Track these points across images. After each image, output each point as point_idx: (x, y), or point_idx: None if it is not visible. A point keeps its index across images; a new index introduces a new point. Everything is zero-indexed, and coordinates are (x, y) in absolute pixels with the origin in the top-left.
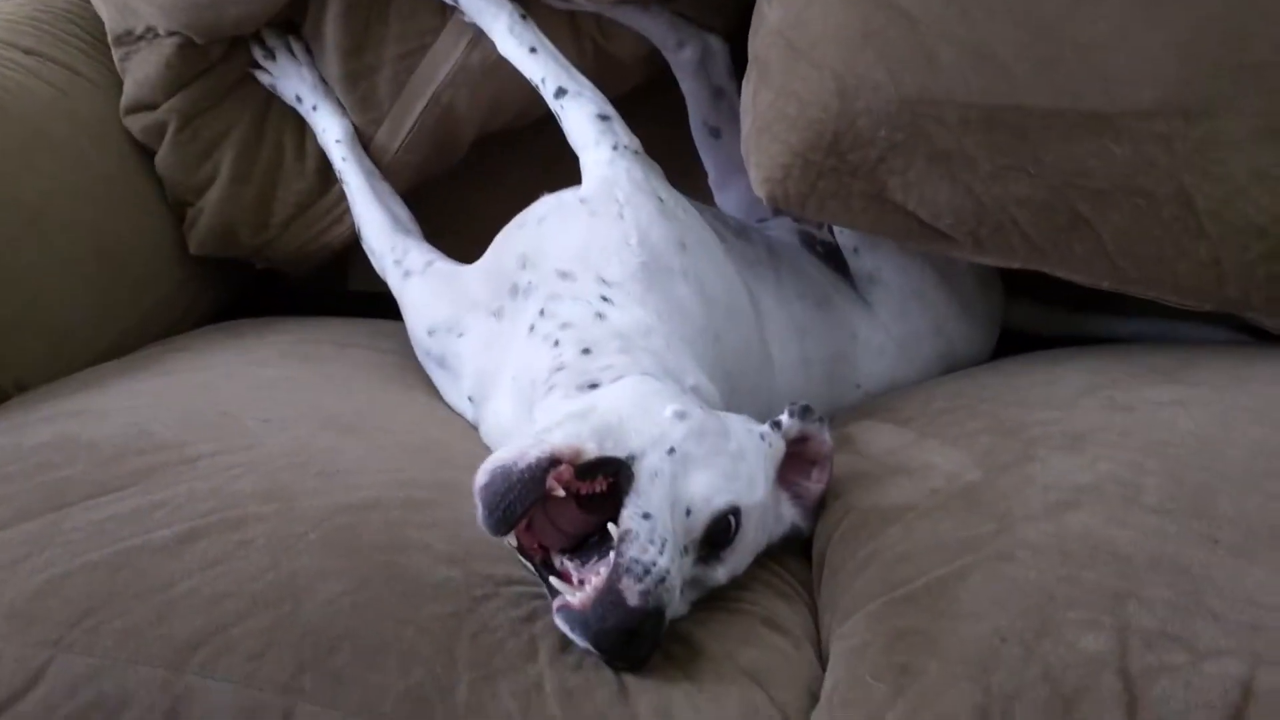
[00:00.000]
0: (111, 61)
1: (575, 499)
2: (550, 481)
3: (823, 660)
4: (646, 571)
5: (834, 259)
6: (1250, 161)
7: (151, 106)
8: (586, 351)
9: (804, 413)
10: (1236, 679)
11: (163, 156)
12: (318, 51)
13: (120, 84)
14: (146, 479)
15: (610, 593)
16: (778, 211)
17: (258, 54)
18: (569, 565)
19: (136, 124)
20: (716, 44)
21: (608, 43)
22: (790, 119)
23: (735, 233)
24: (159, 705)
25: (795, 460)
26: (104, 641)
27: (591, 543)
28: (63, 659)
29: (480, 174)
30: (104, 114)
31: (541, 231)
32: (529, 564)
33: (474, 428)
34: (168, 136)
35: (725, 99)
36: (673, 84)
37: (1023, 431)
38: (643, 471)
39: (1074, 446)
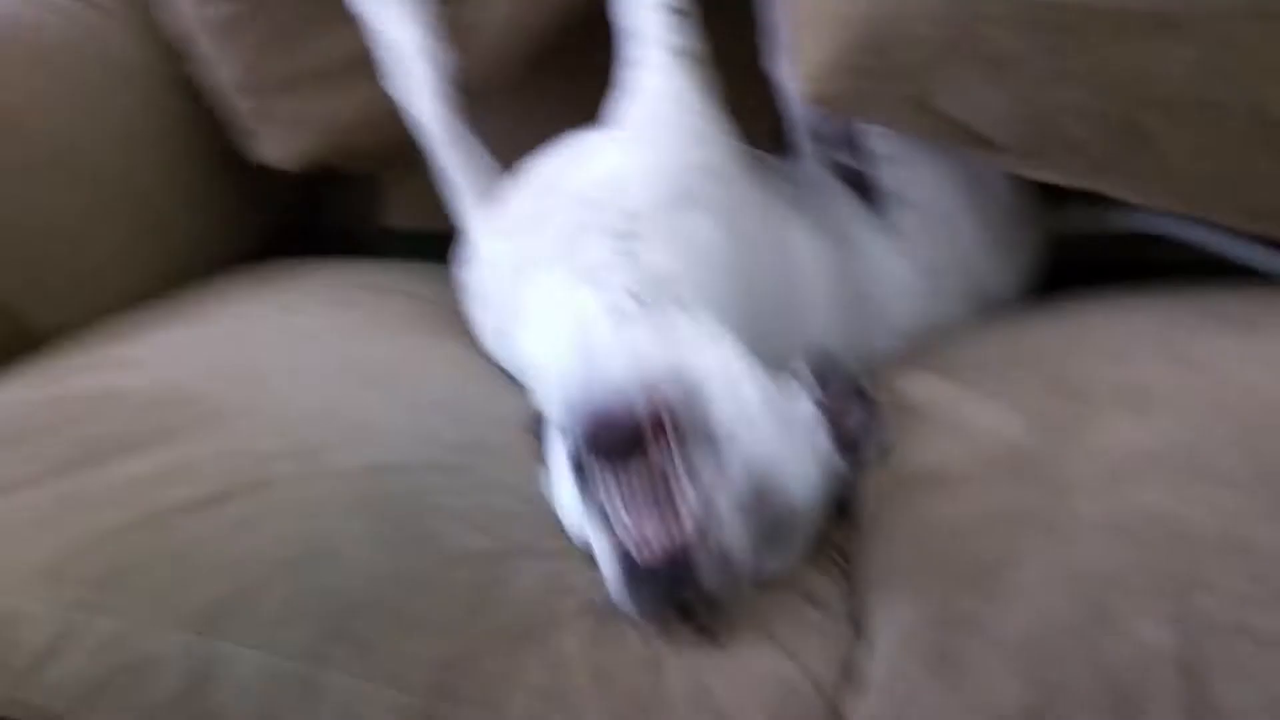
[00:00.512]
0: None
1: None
2: (653, 432)
3: (858, 632)
4: (726, 558)
5: (863, 193)
6: None
7: None
8: (635, 293)
9: (827, 365)
10: None
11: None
12: None
13: (150, 24)
14: (176, 435)
15: (683, 560)
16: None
17: None
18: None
19: (208, 15)
20: None
21: None
22: (834, 15)
23: (768, 166)
24: (186, 669)
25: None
26: (132, 604)
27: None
28: (92, 620)
29: (539, 106)
30: (134, 55)
31: (572, 156)
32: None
33: (502, 370)
34: (257, 20)
35: None
36: None
37: (1079, 387)
38: (723, 442)
39: (1136, 407)
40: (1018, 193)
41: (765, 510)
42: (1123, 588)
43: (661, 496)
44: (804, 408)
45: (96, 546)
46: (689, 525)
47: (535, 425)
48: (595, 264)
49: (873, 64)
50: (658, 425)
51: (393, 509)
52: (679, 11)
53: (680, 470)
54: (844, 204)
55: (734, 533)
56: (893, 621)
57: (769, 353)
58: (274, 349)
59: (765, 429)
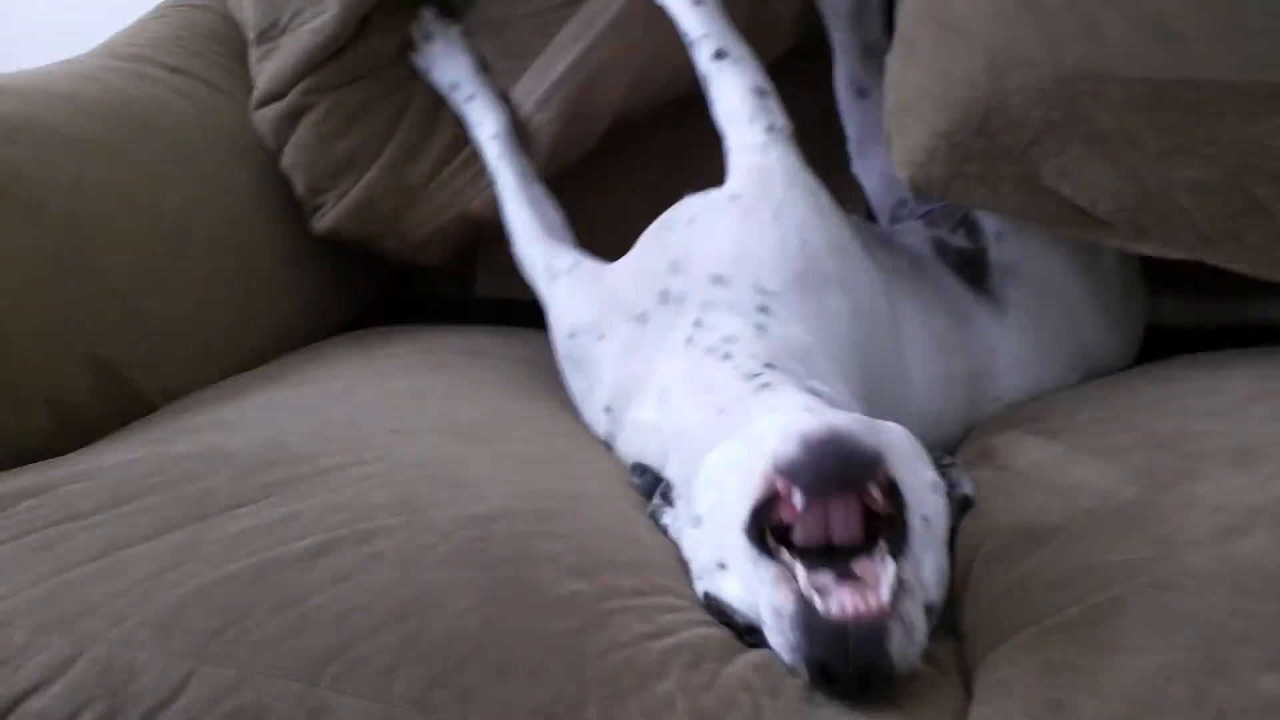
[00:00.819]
0: (248, 77)
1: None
2: (875, 489)
3: (969, 689)
4: (911, 633)
5: (968, 269)
6: None
7: (284, 94)
8: (770, 365)
9: (950, 467)
10: None
11: (295, 143)
12: (466, 4)
13: None
14: (282, 490)
15: (877, 624)
16: (917, 197)
17: (416, 35)
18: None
19: (268, 115)
20: None
21: None
22: (937, 98)
23: (875, 238)
24: (294, 718)
25: None
26: (242, 654)
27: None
28: (205, 670)
29: (619, 173)
30: (241, 128)
31: (691, 233)
32: (759, 532)
33: (604, 443)
34: (302, 120)
35: (876, 57)
36: (816, 53)
37: (1183, 445)
38: (913, 526)
39: (1242, 462)
40: (1126, 264)
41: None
42: (1236, 637)
43: (863, 560)
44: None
45: (208, 597)
46: (885, 594)
47: (639, 475)
48: (727, 336)
49: (978, 145)
50: (885, 490)
51: (494, 557)
52: (763, 92)
53: (884, 543)
54: (952, 281)
55: (918, 616)
56: (998, 674)
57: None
58: (373, 409)
59: (936, 516)
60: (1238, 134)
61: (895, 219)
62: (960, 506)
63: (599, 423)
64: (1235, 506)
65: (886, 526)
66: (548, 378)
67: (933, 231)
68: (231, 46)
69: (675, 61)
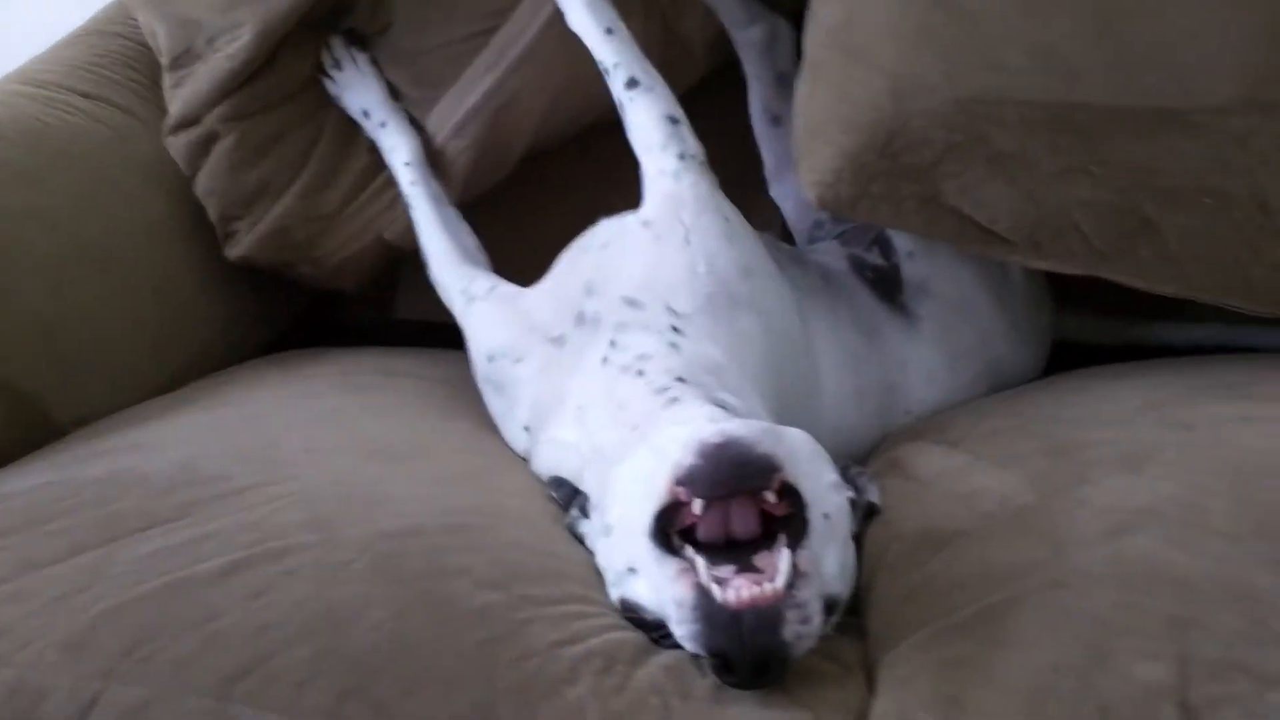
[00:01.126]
0: (164, 103)
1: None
2: (771, 492)
3: (872, 687)
4: (807, 620)
5: (881, 285)
6: None
7: (197, 121)
8: (681, 380)
9: (858, 476)
10: None
11: (208, 170)
12: (378, 33)
13: None
14: (195, 512)
15: (772, 610)
16: (833, 218)
17: (326, 62)
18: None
19: (181, 141)
20: (784, 28)
21: (678, 21)
22: (842, 121)
23: (789, 258)
24: None
25: None
26: (154, 672)
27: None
28: (114, 689)
29: (534, 199)
30: (158, 155)
31: (605, 258)
32: (663, 536)
33: (524, 459)
34: (215, 148)
35: (788, 85)
36: (731, 78)
37: (1078, 452)
38: (813, 522)
39: (1132, 467)
40: (1033, 281)
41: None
42: (1121, 630)
43: (763, 554)
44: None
45: (118, 618)
46: (780, 581)
47: (557, 488)
48: (641, 354)
49: (882, 166)
50: (780, 492)
51: (408, 572)
52: (675, 120)
53: (783, 536)
54: (865, 297)
55: (815, 604)
56: (898, 671)
57: None
58: (290, 430)
59: (837, 513)
60: (1126, 155)
61: (813, 239)
62: (865, 514)
63: (518, 441)
64: (1123, 508)
65: (786, 522)
66: (467, 397)
67: (848, 250)
68: (147, 72)
69: (589, 89)
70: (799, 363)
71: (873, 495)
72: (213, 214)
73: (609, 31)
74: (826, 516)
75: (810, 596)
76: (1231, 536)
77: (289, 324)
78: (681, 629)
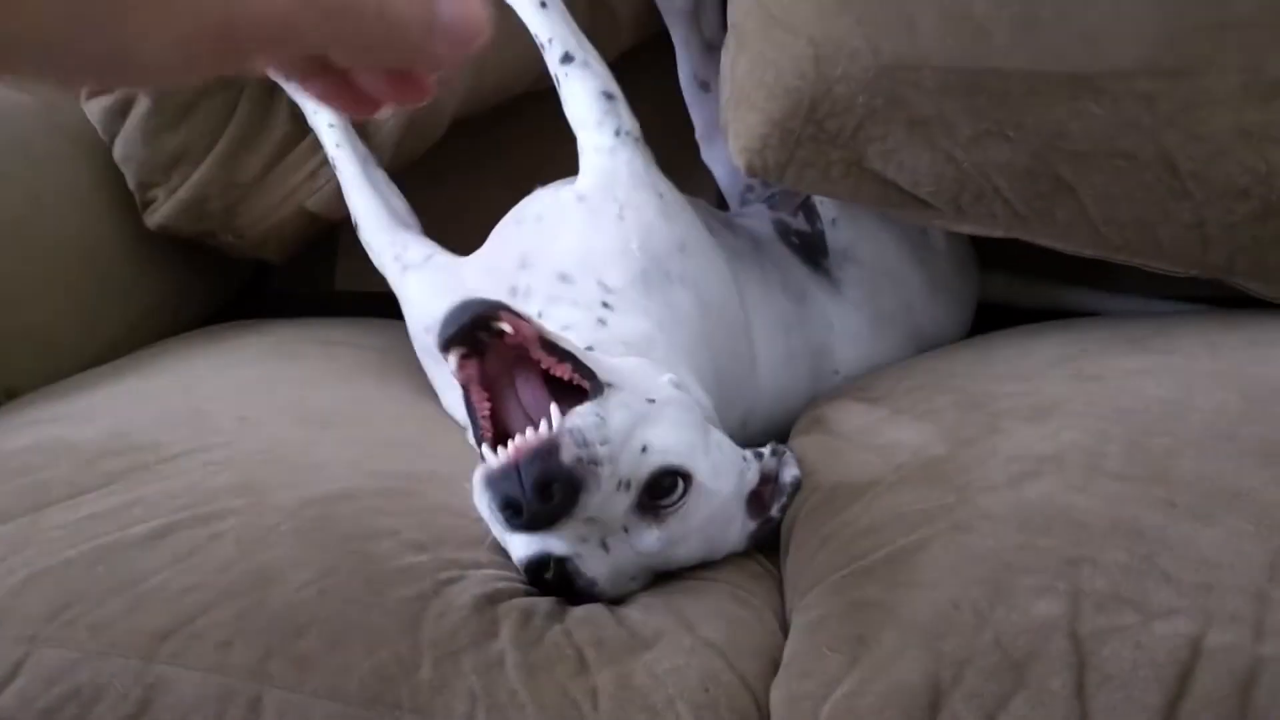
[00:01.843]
0: None
1: (544, 379)
2: (506, 320)
3: (786, 634)
4: (585, 444)
5: (807, 250)
6: (1234, 121)
7: None
8: (590, 349)
9: (781, 454)
10: (1186, 638)
11: (124, 135)
12: None
13: None
14: (124, 479)
15: (546, 444)
16: (762, 183)
17: None
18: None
19: (97, 106)
20: None
21: None
22: (767, 87)
23: (722, 224)
24: (132, 694)
25: (757, 498)
26: (79, 635)
27: None
28: (39, 653)
29: (472, 164)
30: (85, 124)
31: (539, 231)
32: (473, 424)
33: (463, 428)
34: (131, 112)
35: (716, 52)
36: (664, 44)
37: (990, 404)
38: (613, 395)
39: (1039, 417)
40: (956, 245)
41: (641, 474)
42: (1019, 569)
43: (542, 399)
44: (738, 459)
45: (44, 582)
46: (545, 427)
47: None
48: (564, 326)
49: (808, 132)
50: (520, 332)
51: (336, 535)
52: (610, 96)
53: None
54: (793, 261)
55: (595, 434)
56: (809, 615)
57: (727, 406)
58: (221, 397)
59: (674, 423)
60: (1040, 119)
61: (744, 203)
62: (792, 490)
63: (457, 410)
64: (1027, 456)
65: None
66: (404, 364)
67: (776, 215)
68: None
69: (520, 58)
70: (734, 333)
71: (794, 470)
72: (130, 181)
73: (543, 5)
74: (651, 401)
75: (589, 426)
76: (1125, 479)
77: (228, 297)
78: (487, 513)
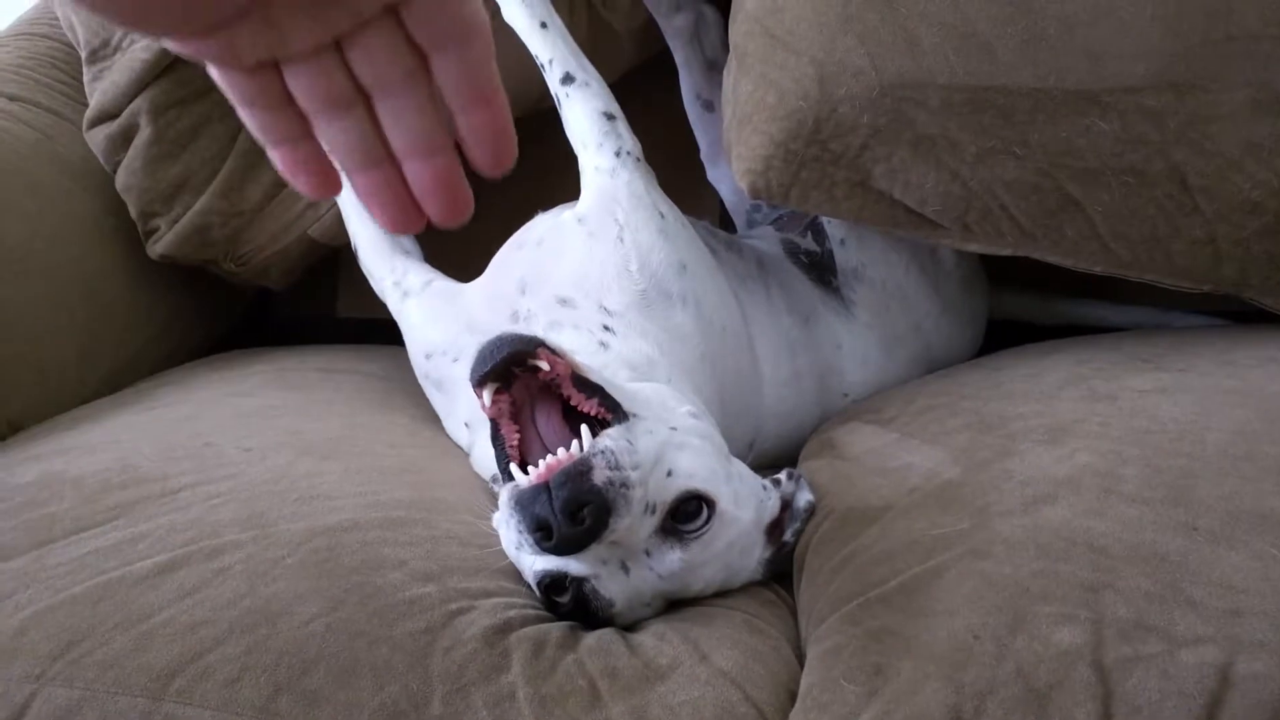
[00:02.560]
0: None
1: (563, 409)
2: (544, 358)
3: (802, 663)
4: (616, 466)
5: (816, 270)
6: (1243, 135)
7: (116, 114)
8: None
9: (796, 479)
10: (1215, 666)
11: (127, 164)
12: None
13: None
14: (129, 512)
15: (578, 465)
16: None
17: None
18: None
19: (100, 135)
20: (711, 14)
21: (605, 9)
22: (770, 108)
23: (725, 245)
24: None
25: (776, 527)
26: (86, 673)
27: None
28: (47, 691)
29: (473, 189)
30: (87, 155)
31: (540, 255)
32: (497, 450)
33: (466, 453)
34: (134, 141)
35: (718, 72)
36: (669, 64)
37: (1002, 426)
38: (639, 424)
39: (1053, 439)
40: (965, 263)
41: (666, 497)
42: (1038, 596)
43: (562, 432)
44: (758, 488)
45: (50, 620)
46: (577, 449)
47: (493, 484)
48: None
49: (811, 153)
50: (554, 369)
51: (342, 566)
52: (611, 117)
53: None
54: (800, 282)
55: (627, 457)
56: (825, 645)
57: (732, 426)
58: (225, 429)
59: (696, 451)
60: (1046, 136)
61: (751, 223)
62: (806, 515)
63: (460, 436)
64: (1043, 479)
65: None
66: (406, 391)
67: (784, 235)
68: (73, 73)
69: (521, 79)
70: (738, 353)
71: (808, 495)
72: (133, 210)
73: (543, 26)
74: (673, 429)
75: (621, 450)
76: (1144, 502)
77: (230, 325)
78: (512, 536)
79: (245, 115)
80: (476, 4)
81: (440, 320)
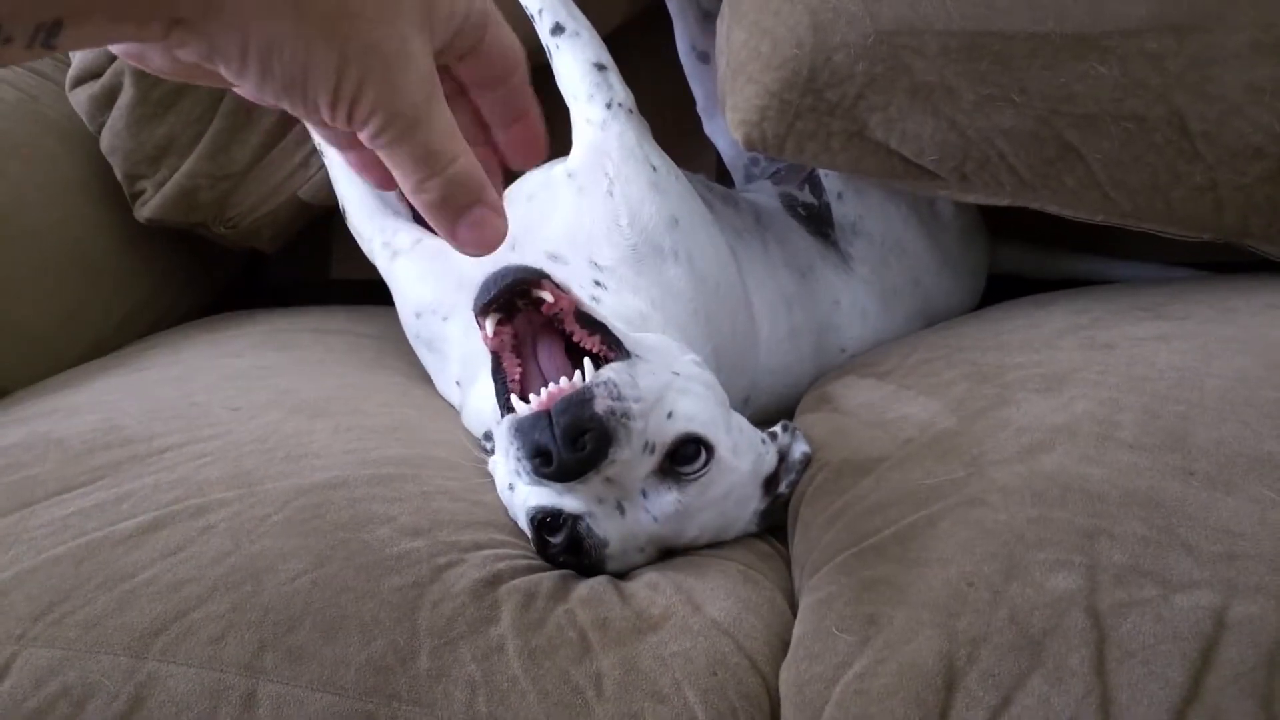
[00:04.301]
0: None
1: (565, 342)
2: (547, 289)
3: (794, 610)
4: (619, 397)
5: (814, 223)
6: (1245, 78)
7: (99, 73)
8: None
9: (792, 431)
10: (1209, 610)
11: (111, 126)
12: None
13: None
14: (114, 473)
15: (580, 393)
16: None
17: None
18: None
19: (83, 95)
20: None
21: None
22: (764, 57)
23: (722, 199)
24: (123, 692)
25: (773, 481)
26: (67, 633)
27: None
28: (28, 652)
29: None
30: (71, 115)
31: (530, 211)
32: (497, 385)
33: (458, 411)
34: (117, 102)
35: (714, 21)
36: (662, 16)
37: (999, 376)
38: (641, 364)
39: (1051, 388)
40: (964, 216)
41: (666, 439)
42: (1033, 543)
43: (564, 368)
44: (757, 441)
45: (31, 581)
46: (579, 378)
47: (490, 441)
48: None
49: (807, 103)
50: (558, 302)
51: (329, 523)
52: (602, 67)
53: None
54: (799, 237)
55: (630, 389)
56: (819, 595)
57: (727, 383)
58: (215, 388)
59: (697, 397)
60: (1045, 82)
61: (749, 177)
62: (802, 466)
63: (452, 395)
64: (1039, 427)
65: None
66: (399, 351)
67: (781, 188)
68: None
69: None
70: (733, 309)
71: (803, 446)
72: (118, 172)
73: None
74: (676, 374)
75: (624, 382)
76: (1141, 449)
77: (222, 289)
78: (510, 464)
79: None
80: (513, 40)
81: (430, 278)
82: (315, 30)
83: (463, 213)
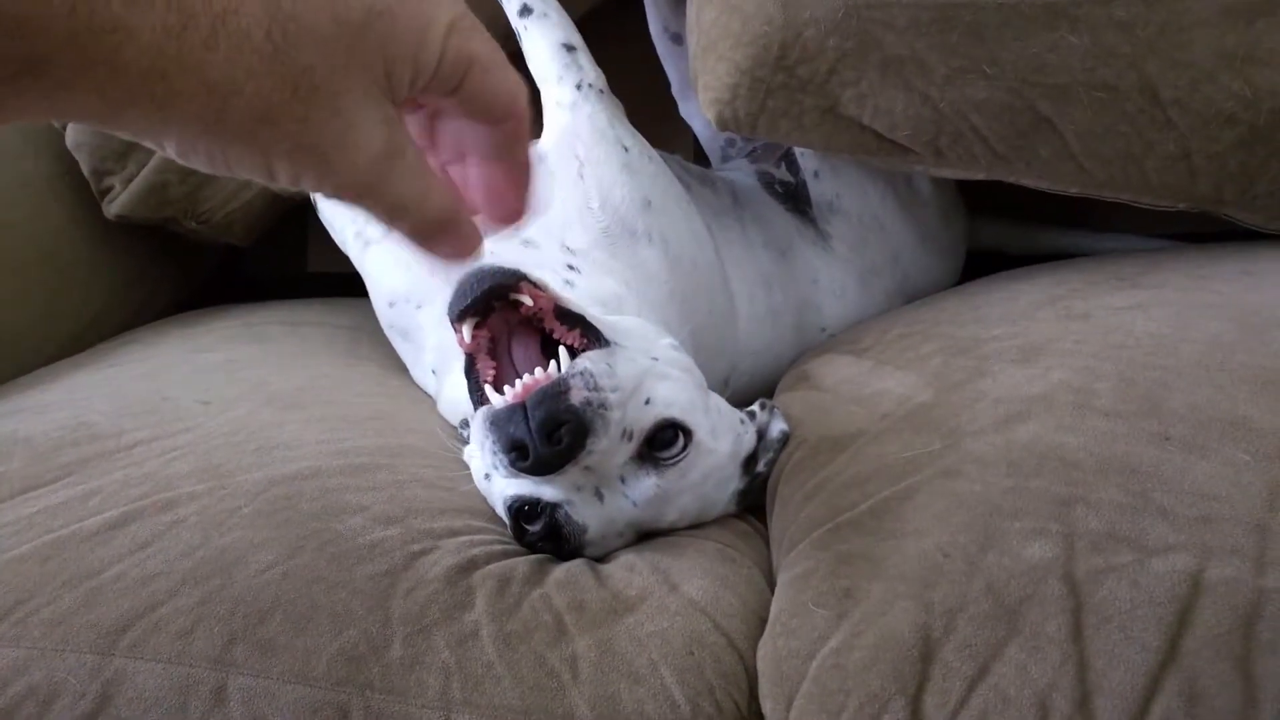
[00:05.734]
0: None
1: (541, 337)
2: (524, 292)
3: (771, 587)
4: (595, 388)
5: (792, 200)
6: (1215, 44)
7: None
8: None
9: (770, 409)
10: (1185, 574)
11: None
12: None
13: None
14: (82, 469)
15: (555, 385)
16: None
17: None
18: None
19: None
20: None
21: None
22: (735, 35)
23: (699, 180)
24: (89, 690)
25: (752, 461)
26: (32, 632)
27: None
28: None
29: None
30: None
31: None
32: (471, 383)
33: (433, 400)
34: None
35: (685, 3)
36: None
37: (976, 348)
38: (619, 352)
39: (1027, 359)
40: (942, 193)
41: (644, 425)
42: (1010, 513)
43: (539, 363)
44: (736, 422)
45: None
46: (554, 369)
47: (466, 429)
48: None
49: (778, 80)
50: (537, 303)
51: (301, 513)
52: (572, 48)
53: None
54: (777, 215)
55: (606, 380)
56: (796, 570)
57: (705, 364)
58: (186, 382)
59: (675, 381)
60: (1016, 53)
61: (725, 157)
62: (780, 444)
63: (428, 384)
64: (1015, 397)
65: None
66: (374, 341)
67: (758, 166)
68: None
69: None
70: (711, 290)
71: (780, 425)
72: (85, 168)
73: None
74: (654, 359)
75: (600, 372)
76: (1117, 415)
77: (199, 284)
78: (486, 458)
79: None
80: (508, 87)
81: (403, 267)
82: (232, 136)
83: (435, 239)
